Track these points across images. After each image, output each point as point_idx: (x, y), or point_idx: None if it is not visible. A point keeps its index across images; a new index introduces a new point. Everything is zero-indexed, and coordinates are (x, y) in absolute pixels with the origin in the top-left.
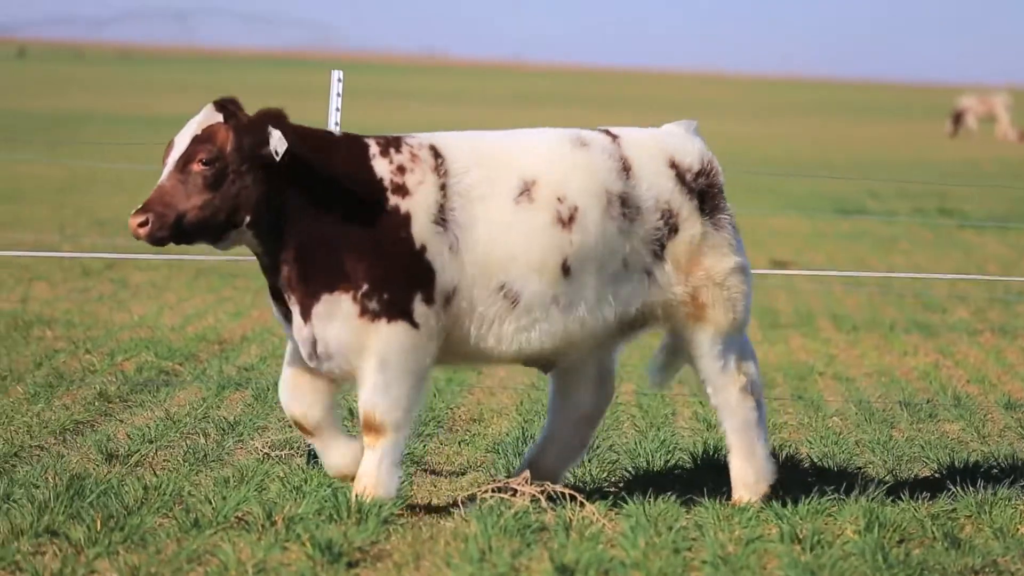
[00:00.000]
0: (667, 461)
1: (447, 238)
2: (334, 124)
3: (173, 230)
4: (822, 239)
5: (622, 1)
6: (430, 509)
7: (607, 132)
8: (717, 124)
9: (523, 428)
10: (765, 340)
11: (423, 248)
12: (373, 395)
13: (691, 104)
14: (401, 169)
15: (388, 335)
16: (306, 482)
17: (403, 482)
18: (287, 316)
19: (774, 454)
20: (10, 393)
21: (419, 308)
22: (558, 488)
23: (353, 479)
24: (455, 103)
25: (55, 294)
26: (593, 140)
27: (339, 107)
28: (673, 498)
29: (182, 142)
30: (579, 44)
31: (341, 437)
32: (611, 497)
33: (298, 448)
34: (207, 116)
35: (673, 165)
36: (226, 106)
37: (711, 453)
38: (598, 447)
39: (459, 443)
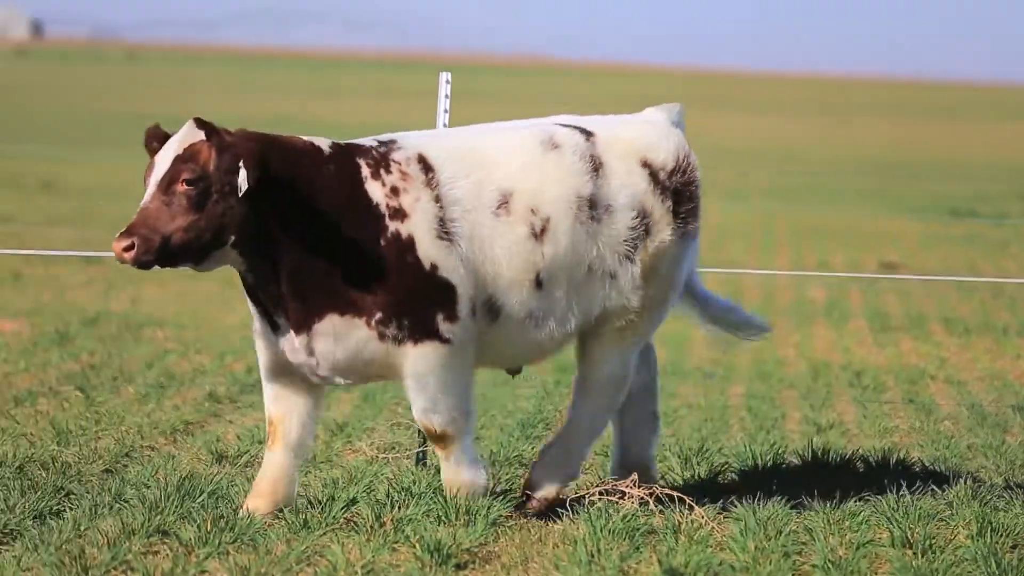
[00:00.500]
0: (776, 464)
1: (456, 251)
2: (442, 125)
3: (159, 254)
4: (935, 242)
5: (731, 4)
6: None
7: (580, 129)
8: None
9: None
10: (876, 343)
11: (434, 267)
12: (424, 414)
13: (798, 104)
14: (395, 191)
15: (418, 356)
16: (415, 483)
17: (508, 484)
18: (272, 326)
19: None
20: (121, 394)
21: (444, 325)
22: (667, 491)
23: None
24: (561, 105)
25: (165, 295)
26: (565, 140)
27: (447, 108)
28: (783, 501)
29: (164, 161)
30: (686, 46)
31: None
32: (720, 500)
33: (406, 450)
34: (188, 134)
35: (646, 164)
36: (207, 123)
37: (821, 456)
38: (707, 450)
39: None
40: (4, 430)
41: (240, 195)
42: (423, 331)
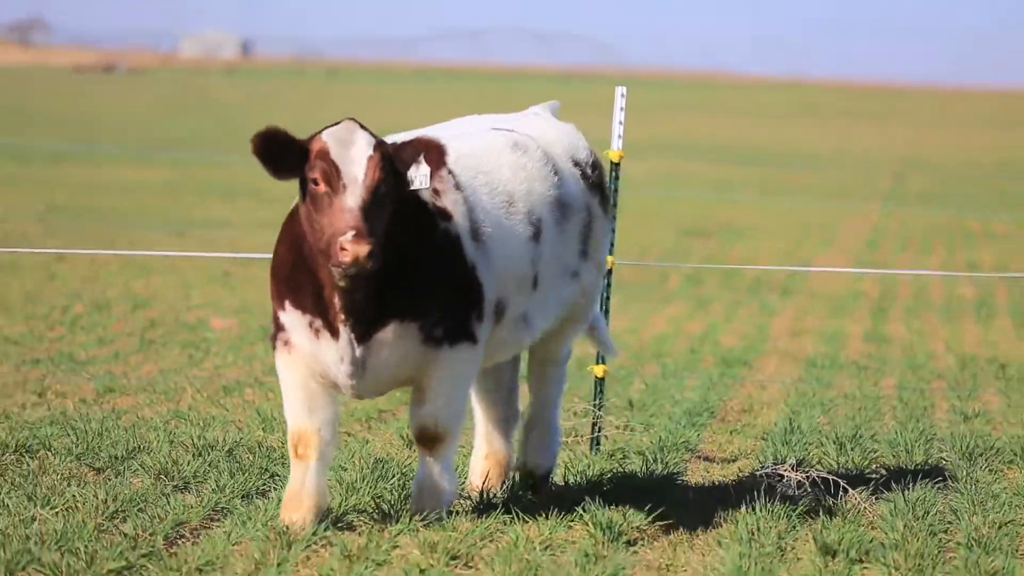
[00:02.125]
0: (925, 450)
1: (485, 252)
2: (617, 137)
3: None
4: None
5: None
6: (704, 492)
7: (521, 132)
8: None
9: (790, 419)
10: (1020, 338)
11: (473, 267)
12: (435, 409)
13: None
14: (436, 192)
15: (451, 357)
16: (589, 467)
17: (676, 468)
18: (317, 335)
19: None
20: None
21: (475, 325)
22: (822, 474)
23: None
24: (736, 117)
25: None
26: (526, 144)
27: (622, 121)
28: (930, 484)
29: (359, 163)
30: (863, 60)
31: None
32: (872, 483)
33: (582, 435)
34: (368, 140)
35: (576, 163)
36: (363, 126)
37: (966, 443)
38: (860, 436)
39: (730, 432)
40: (215, 417)
41: (416, 190)
42: (459, 332)
